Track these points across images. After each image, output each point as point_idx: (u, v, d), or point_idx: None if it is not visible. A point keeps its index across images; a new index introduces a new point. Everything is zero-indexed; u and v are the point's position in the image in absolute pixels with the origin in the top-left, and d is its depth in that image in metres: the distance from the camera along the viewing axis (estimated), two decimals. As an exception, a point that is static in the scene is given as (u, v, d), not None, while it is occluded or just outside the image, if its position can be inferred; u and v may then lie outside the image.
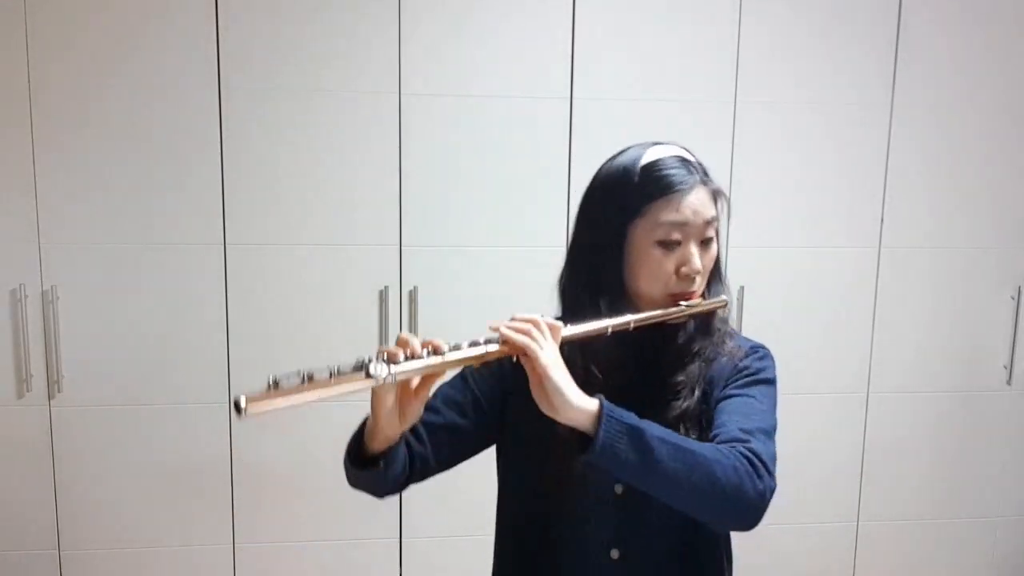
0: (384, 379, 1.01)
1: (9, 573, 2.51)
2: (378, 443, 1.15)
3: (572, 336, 1.13)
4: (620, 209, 1.21)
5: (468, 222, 2.53)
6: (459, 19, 2.45)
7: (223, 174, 2.42)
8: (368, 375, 1.00)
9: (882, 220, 2.67)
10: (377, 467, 1.15)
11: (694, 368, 1.22)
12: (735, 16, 2.53)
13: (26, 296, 2.40)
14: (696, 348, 1.24)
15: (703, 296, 1.24)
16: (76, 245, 2.41)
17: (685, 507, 1.09)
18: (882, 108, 2.62)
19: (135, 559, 2.55)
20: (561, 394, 1.04)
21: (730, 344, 1.26)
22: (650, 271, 1.20)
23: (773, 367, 1.27)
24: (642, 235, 1.20)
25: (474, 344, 1.07)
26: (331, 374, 1.00)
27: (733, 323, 2.59)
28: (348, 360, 1.01)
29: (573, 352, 1.15)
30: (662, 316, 1.20)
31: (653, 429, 1.05)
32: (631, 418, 1.05)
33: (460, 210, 2.52)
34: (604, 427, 1.02)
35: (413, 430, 1.21)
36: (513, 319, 1.09)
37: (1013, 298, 2.75)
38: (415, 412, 1.13)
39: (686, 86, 2.54)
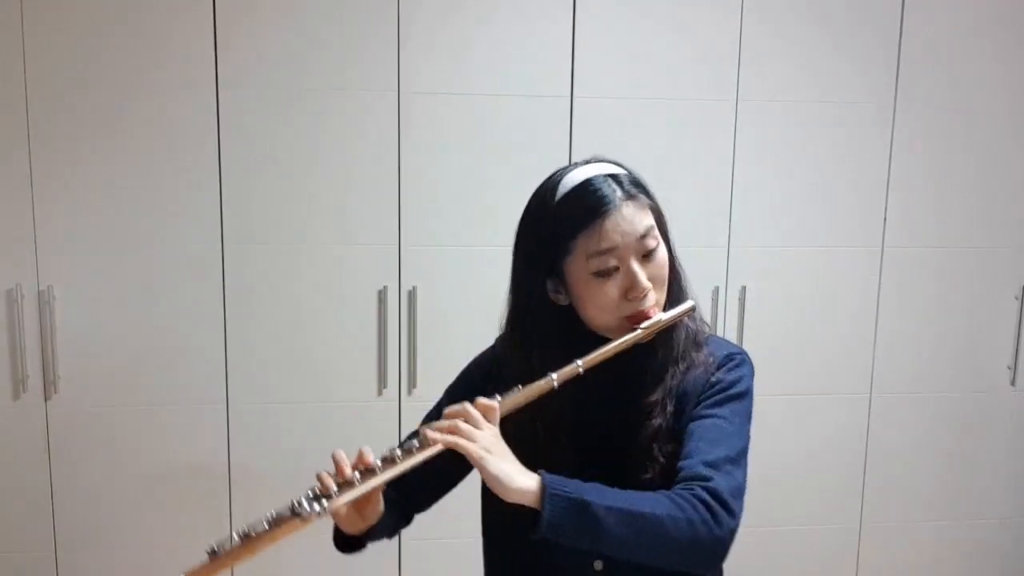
0: (317, 516, 1.02)
1: (6, 574, 2.50)
2: (354, 531, 1.15)
3: (515, 405, 1.10)
4: (548, 251, 1.17)
5: (468, 222, 2.51)
6: (459, 18, 2.44)
7: (221, 173, 2.41)
8: (302, 518, 1.02)
9: (885, 220, 2.66)
10: (363, 547, 1.18)
11: (664, 385, 1.19)
12: (736, 15, 2.52)
13: (22, 296, 2.38)
14: (663, 363, 1.20)
15: (665, 308, 1.19)
16: (72, 245, 2.39)
17: (641, 563, 1.08)
18: (885, 107, 2.61)
19: (132, 560, 2.54)
20: (499, 482, 1.03)
21: (704, 352, 1.22)
22: (596, 303, 1.16)
23: (748, 376, 1.22)
24: (577, 271, 1.16)
25: (407, 451, 1.06)
26: (268, 525, 1.01)
27: (734, 324, 2.60)
28: (283, 504, 1.03)
29: (541, 398, 1.12)
30: (616, 348, 1.15)
31: (602, 498, 1.04)
32: (576, 490, 1.03)
33: (459, 210, 2.50)
34: (548, 506, 1.01)
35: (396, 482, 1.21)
36: (445, 415, 1.08)
37: (1017, 298, 2.74)
38: (373, 511, 1.13)
39: (687, 85, 2.53)
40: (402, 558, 2.60)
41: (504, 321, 1.27)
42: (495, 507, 1.30)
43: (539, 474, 1.04)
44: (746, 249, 2.60)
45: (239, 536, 1.00)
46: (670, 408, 1.18)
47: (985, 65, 2.63)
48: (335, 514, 1.10)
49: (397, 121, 2.45)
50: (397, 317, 2.52)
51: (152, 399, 2.48)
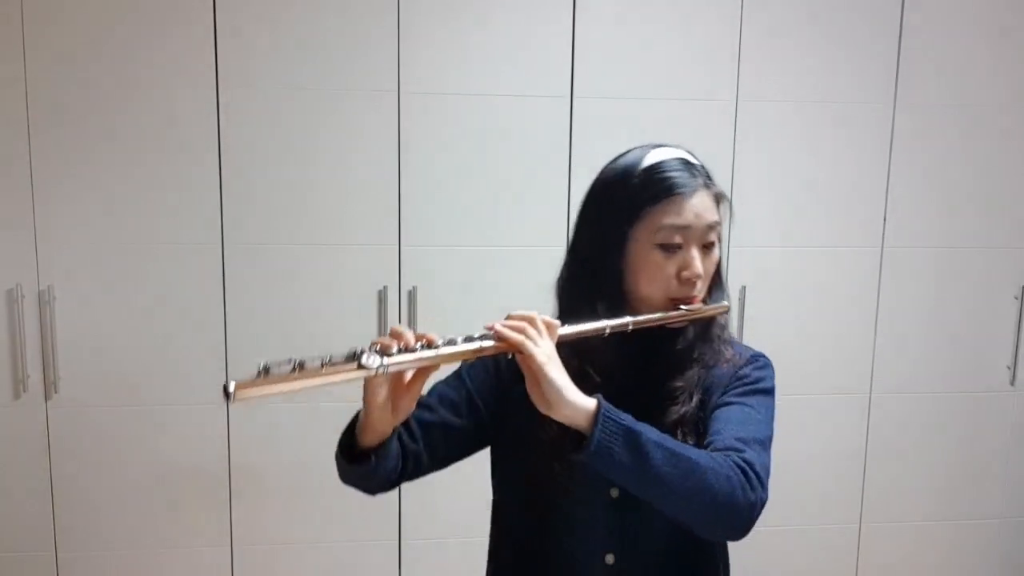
0: (377, 370, 1.00)
1: (6, 574, 2.50)
2: (370, 437, 1.13)
3: (569, 335, 1.12)
4: (621, 211, 1.20)
5: (468, 222, 2.51)
6: (459, 18, 2.44)
7: (221, 173, 2.41)
8: (360, 365, 0.99)
9: (885, 219, 2.66)
10: (369, 462, 1.13)
11: (693, 374, 1.21)
12: (736, 14, 2.52)
13: (23, 296, 2.38)
14: (695, 354, 1.23)
15: (704, 301, 1.23)
16: (73, 245, 2.39)
17: (676, 513, 1.08)
18: (885, 107, 2.61)
19: (132, 561, 2.54)
20: (557, 391, 1.03)
21: (730, 351, 1.26)
22: (650, 274, 1.19)
23: (772, 377, 1.26)
24: (643, 238, 1.19)
25: (469, 339, 1.06)
26: (323, 363, 0.98)
27: (734, 323, 2.60)
28: (341, 350, 0.99)
29: (571, 353, 1.13)
30: (661, 319, 1.19)
31: (650, 433, 1.04)
32: (628, 420, 1.04)
33: (460, 210, 2.51)
34: (600, 427, 1.01)
35: (407, 426, 1.20)
36: (509, 317, 1.08)
37: (1016, 298, 2.74)
38: (408, 407, 1.12)
39: (687, 85, 2.53)
40: (402, 558, 2.61)
41: (563, 275, 1.28)
42: (507, 500, 1.30)
43: (595, 396, 1.04)
44: (746, 249, 2.60)
45: (291, 365, 0.97)
46: (696, 398, 1.20)
47: (985, 65, 2.63)
48: (370, 400, 1.09)
49: (397, 121, 2.45)
50: (397, 317, 2.52)
51: (152, 399, 2.48)
